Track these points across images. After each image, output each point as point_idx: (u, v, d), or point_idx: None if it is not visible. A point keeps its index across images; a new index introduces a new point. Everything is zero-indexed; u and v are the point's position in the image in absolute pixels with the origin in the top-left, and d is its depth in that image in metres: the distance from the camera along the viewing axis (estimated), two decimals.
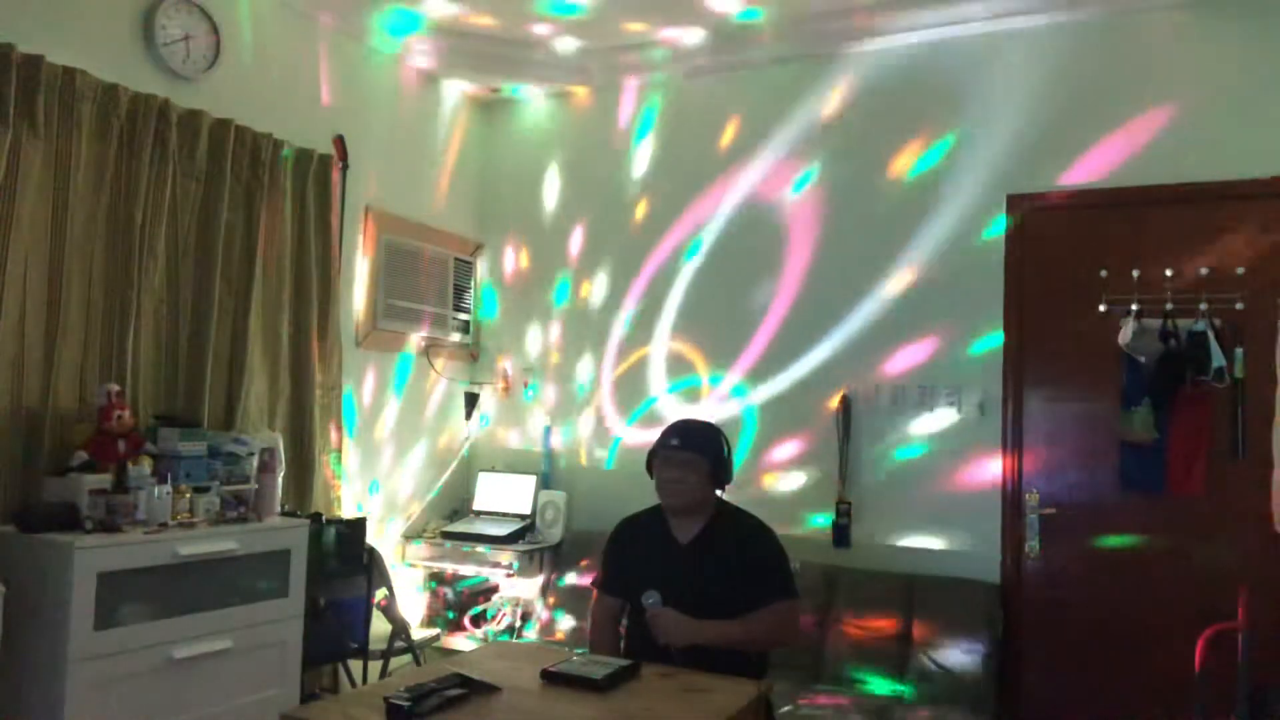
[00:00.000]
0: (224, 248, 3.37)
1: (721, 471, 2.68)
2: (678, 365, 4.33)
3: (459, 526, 4.37)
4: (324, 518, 3.49)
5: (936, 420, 3.79)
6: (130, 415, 2.88)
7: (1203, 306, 3.38)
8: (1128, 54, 3.57)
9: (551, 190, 4.69)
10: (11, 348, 2.78)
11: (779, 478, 4.05)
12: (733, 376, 4.19)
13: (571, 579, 4.16)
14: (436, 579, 4.43)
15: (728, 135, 4.27)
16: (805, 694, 3.35)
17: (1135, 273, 3.50)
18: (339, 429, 3.86)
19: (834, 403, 3.94)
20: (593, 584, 2.82)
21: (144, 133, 3.10)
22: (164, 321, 3.22)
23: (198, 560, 2.79)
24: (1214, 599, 3.24)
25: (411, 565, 4.34)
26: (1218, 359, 3.35)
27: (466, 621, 4.31)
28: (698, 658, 2.41)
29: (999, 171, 3.73)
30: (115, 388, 2.90)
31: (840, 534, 3.86)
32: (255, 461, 3.21)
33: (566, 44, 4.09)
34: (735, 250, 4.22)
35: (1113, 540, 3.52)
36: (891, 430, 3.86)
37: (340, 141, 3.96)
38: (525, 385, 4.68)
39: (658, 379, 4.36)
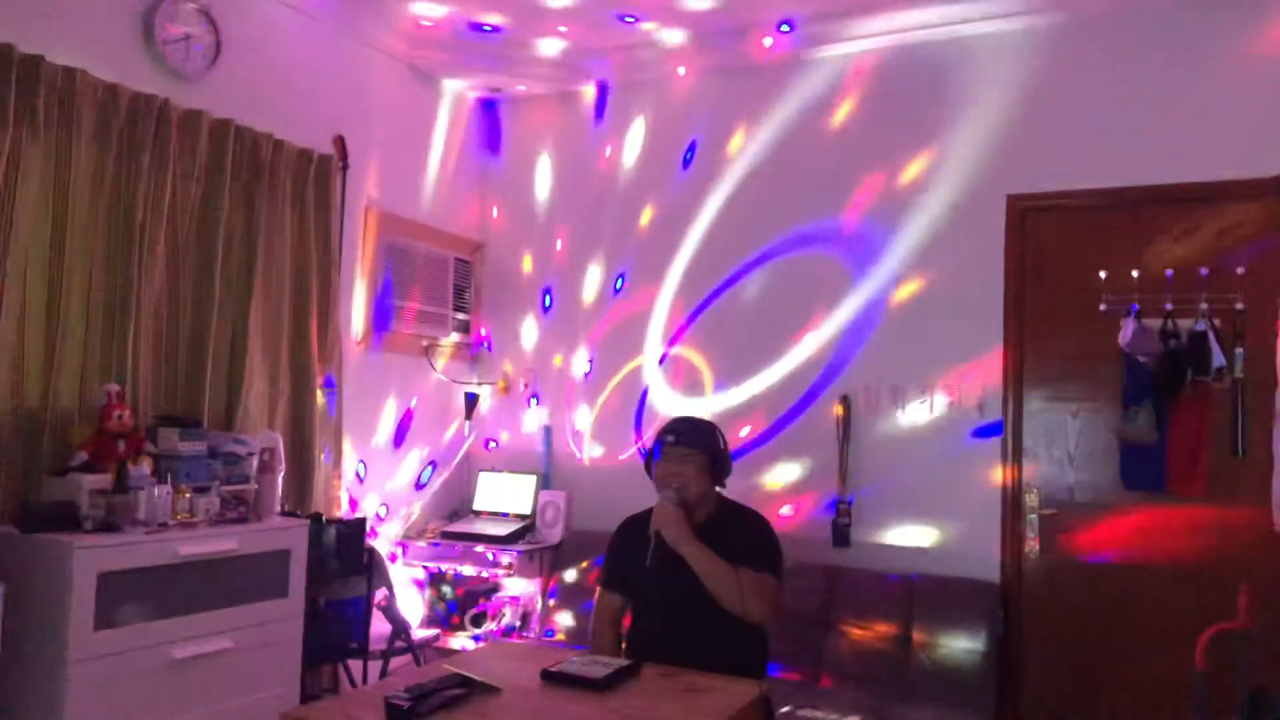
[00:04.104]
0: (224, 248, 3.37)
1: (720, 465, 2.70)
2: (676, 365, 4.33)
3: (459, 526, 4.37)
4: (324, 518, 3.49)
5: (936, 420, 3.79)
6: (130, 415, 2.87)
7: (1203, 306, 3.38)
8: (1129, 53, 3.57)
9: (552, 190, 4.69)
10: (11, 348, 2.78)
11: (779, 478, 4.05)
12: (732, 375, 4.19)
13: (571, 579, 4.16)
14: (436, 579, 4.43)
15: (726, 135, 4.26)
16: (805, 694, 3.35)
17: (1135, 273, 3.50)
18: (338, 429, 3.85)
19: (834, 403, 3.94)
20: (595, 582, 2.83)
21: (144, 133, 3.09)
22: (164, 321, 3.22)
23: (198, 560, 2.78)
24: (1214, 599, 3.24)
25: (411, 565, 4.34)
26: (1218, 359, 3.35)
27: (466, 621, 4.31)
28: (698, 658, 2.42)
29: (999, 171, 3.73)
30: (115, 388, 2.90)
31: (840, 534, 3.86)
32: (255, 461, 3.21)
33: (567, 44, 4.09)
34: (734, 248, 4.22)
35: (1113, 540, 3.52)
36: (891, 430, 3.86)
37: (340, 141, 3.96)
38: (525, 385, 4.68)
39: (656, 378, 4.37)
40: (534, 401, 4.65)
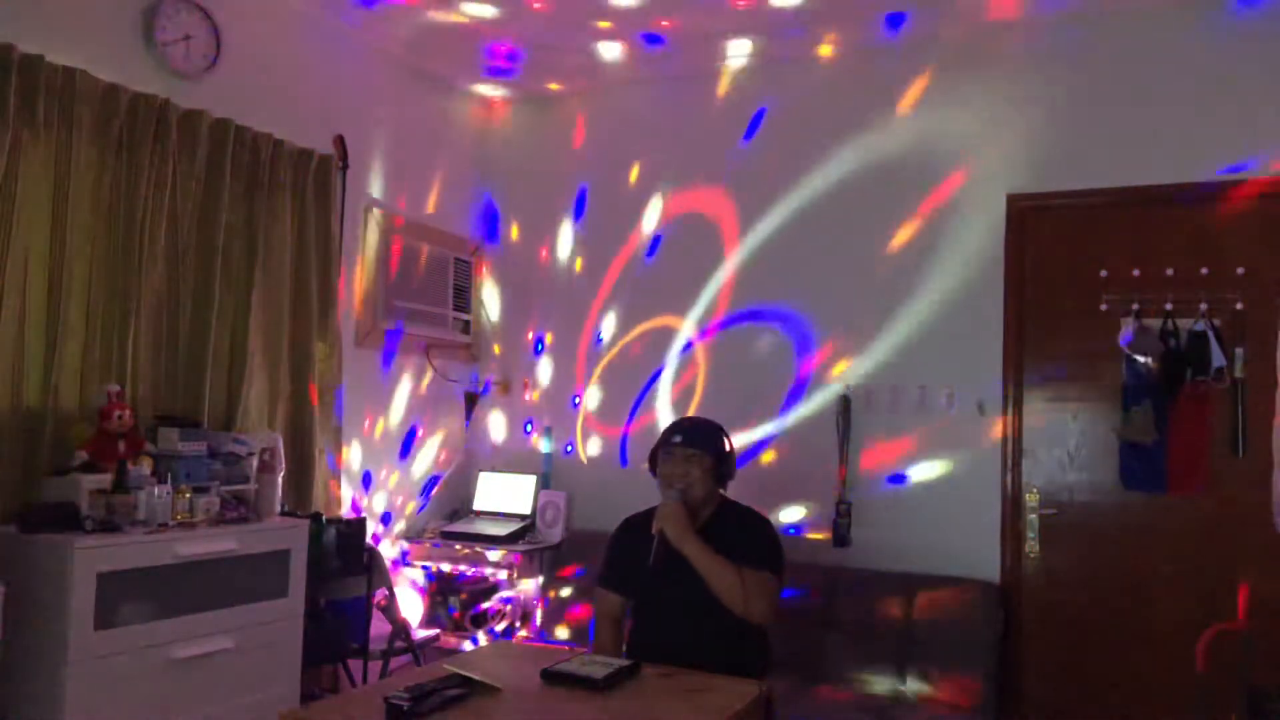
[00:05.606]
0: (224, 248, 3.37)
1: (724, 467, 2.71)
2: (675, 363, 4.34)
3: (459, 526, 4.37)
4: (324, 518, 3.50)
5: (936, 420, 3.79)
6: (130, 415, 2.87)
7: (1203, 306, 3.38)
8: (1129, 53, 3.57)
9: (551, 190, 4.68)
10: (11, 348, 2.78)
11: (779, 478, 4.04)
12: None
13: (571, 579, 4.16)
14: (436, 579, 4.43)
15: (727, 133, 4.26)
16: (805, 694, 3.35)
17: (1135, 272, 3.50)
18: (338, 429, 3.86)
19: (834, 403, 3.94)
20: (596, 581, 2.84)
21: (144, 133, 3.10)
22: (164, 321, 3.22)
23: (198, 560, 2.79)
24: (1214, 599, 3.24)
25: (411, 565, 4.34)
26: (1218, 359, 3.35)
27: (467, 621, 4.31)
28: (699, 658, 2.42)
29: (999, 171, 3.73)
30: (115, 388, 2.90)
31: (840, 534, 3.86)
32: (255, 461, 3.21)
33: (569, 44, 4.09)
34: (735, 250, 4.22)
35: (1113, 540, 3.52)
36: (891, 430, 3.86)
37: (340, 141, 3.96)
38: (525, 385, 4.68)
39: (657, 377, 4.37)
40: (534, 401, 4.65)
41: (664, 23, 3.85)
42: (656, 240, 4.40)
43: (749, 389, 4.11)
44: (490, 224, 4.84)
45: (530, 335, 4.69)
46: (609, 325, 4.50)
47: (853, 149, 3.99)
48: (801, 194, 4.08)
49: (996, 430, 3.69)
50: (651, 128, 4.46)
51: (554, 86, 4.62)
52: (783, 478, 4.04)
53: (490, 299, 4.82)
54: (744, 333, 4.17)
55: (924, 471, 3.79)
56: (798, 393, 4.03)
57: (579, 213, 4.62)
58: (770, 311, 4.12)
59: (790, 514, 3.99)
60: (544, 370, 4.65)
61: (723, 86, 4.29)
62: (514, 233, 4.78)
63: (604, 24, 3.88)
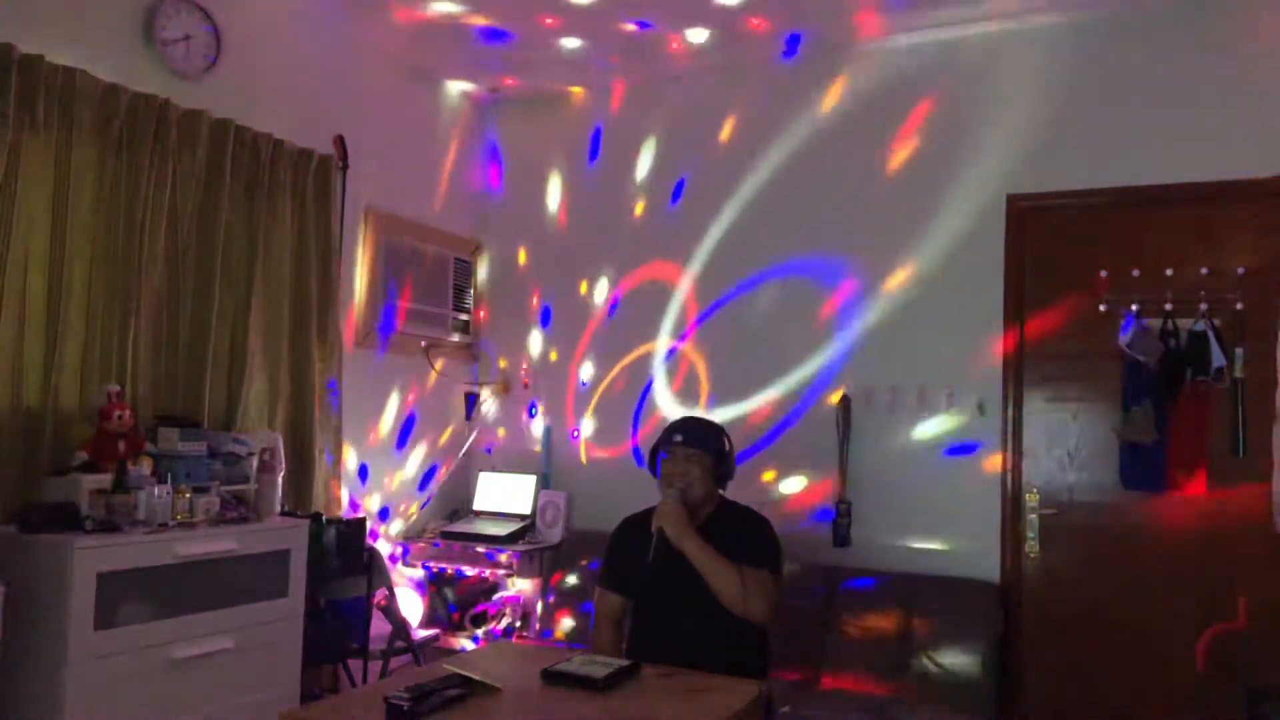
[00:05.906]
0: (224, 248, 3.37)
1: (723, 467, 2.71)
2: (676, 365, 4.33)
3: (459, 526, 4.37)
4: (324, 517, 3.50)
5: (936, 420, 3.79)
6: (130, 415, 2.87)
7: (1203, 307, 3.38)
8: (1129, 53, 3.57)
9: (551, 190, 4.69)
10: (11, 348, 2.78)
11: (779, 478, 4.05)
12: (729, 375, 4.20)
13: (571, 579, 4.16)
14: (436, 579, 4.43)
15: (725, 135, 4.27)
16: (805, 694, 3.36)
17: (1135, 273, 3.50)
18: (338, 429, 3.86)
19: (834, 402, 3.94)
20: (596, 581, 2.84)
21: (144, 133, 3.10)
22: (164, 321, 3.22)
23: (198, 560, 2.79)
24: (1214, 599, 3.24)
25: (411, 565, 4.34)
26: (1218, 359, 3.35)
27: (467, 621, 4.31)
28: (698, 657, 2.42)
29: (999, 171, 3.73)
30: (115, 388, 2.90)
31: (840, 534, 3.86)
32: (255, 461, 3.21)
33: (567, 43, 4.09)
34: (734, 250, 4.22)
35: (1113, 540, 3.51)
36: (891, 430, 3.86)
37: (340, 141, 3.96)
38: (525, 385, 4.68)
39: (657, 379, 4.37)
40: (537, 408, 4.65)
41: (670, 34, 3.86)
42: (659, 238, 4.40)
43: (752, 377, 4.12)
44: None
45: (531, 332, 4.69)
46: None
47: (853, 150, 3.99)
48: (801, 194, 4.08)
49: (997, 430, 3.68)
50: (653, 126, 4.45)
51: (554, 86, 4.62)
52: (782, 476, 4.04)
53: (490, 297, 4.81)
54: (743, 326, 4.17)
55: (924, 472, 3.78)
56: (804, 394, 4.04)
57: (580, 209, 4.61)
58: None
59: (789, 513, 3.99)
60: (544, 365, 4.65)
61: (721, 86, 4.29)
62: (513, 231, 4.78)
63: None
